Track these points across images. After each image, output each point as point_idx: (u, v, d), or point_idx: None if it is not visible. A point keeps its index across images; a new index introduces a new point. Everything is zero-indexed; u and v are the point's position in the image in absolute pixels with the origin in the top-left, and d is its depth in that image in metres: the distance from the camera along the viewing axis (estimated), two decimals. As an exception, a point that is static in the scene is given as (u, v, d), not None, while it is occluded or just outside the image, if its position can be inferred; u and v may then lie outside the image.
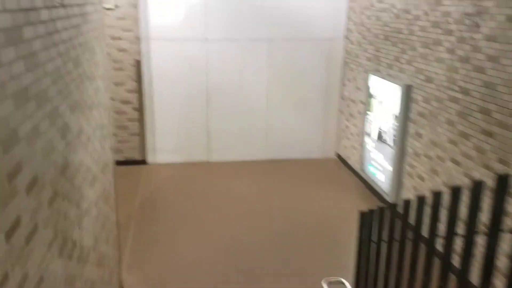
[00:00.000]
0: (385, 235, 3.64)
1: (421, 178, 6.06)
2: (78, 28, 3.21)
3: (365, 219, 3.73)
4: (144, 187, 7.68)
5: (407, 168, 6.45)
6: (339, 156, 9.11)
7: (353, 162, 8.41)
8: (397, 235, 3.46)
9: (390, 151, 6.72)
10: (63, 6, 2.76)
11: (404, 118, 6.38)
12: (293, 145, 9.03)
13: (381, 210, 3.65)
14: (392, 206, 3.67)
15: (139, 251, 5.79)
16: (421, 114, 6.04)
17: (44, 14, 2.38)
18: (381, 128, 7.00)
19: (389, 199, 6.83)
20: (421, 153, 6.06)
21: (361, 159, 7.82)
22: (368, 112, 7.49)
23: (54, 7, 2.57)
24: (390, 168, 6.75)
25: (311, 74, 8.74)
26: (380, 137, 7.06)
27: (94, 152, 3.70)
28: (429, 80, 5.83)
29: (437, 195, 2.82)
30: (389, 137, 6.76)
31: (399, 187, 6.65)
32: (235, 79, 8.54)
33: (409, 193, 6.39)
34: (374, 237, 3.83)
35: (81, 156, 3.20)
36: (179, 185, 7.81)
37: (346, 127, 8.70)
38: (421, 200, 2.90)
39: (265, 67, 8.57)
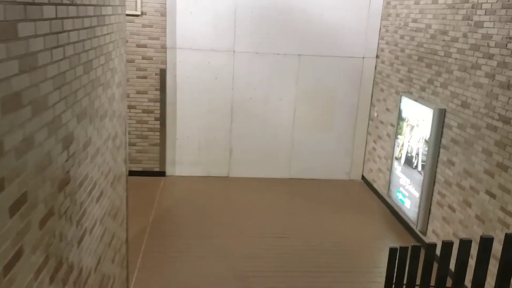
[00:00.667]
0: (418, 279, 3.30)
1: (452, 208, 5.66)
2: (92, 30, 3.02)
3: (395, 257, 3.39)
4: (161, 200, 7.47)
5: (436, 196, 6.05)
6: (364, 179, 8.74)
7: (379, 186, 8.03)
8: (433, 280, 3.12)
9: (419, 178, 6.33)
10: (74, 4, 2.57)
11: (436, 143, 6.01)
12: (317, 165, 8.71)
13: (416, 249, 3.30)
14: (431, 247, 3.33)
15: (150, 269, 5.55)
16: (454, 141, 5.66)
17: (48, 11, 2.17)
18: (411, 152, 6.63)
19: (416, 228, 6.42)
20: (452, 182, 5.67)
21: (388, 184, 7.44)
22: (398, 135, 7.12)
23: (62, 4, 2.37)
24: (417, 195, 6.36)
25: (340, 92, 8.44)
26: (409, 162, 6.68)
27: (103, 164, 3.49)
28: (465, 105, 5.46)
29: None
30: (418, 163, 6.38)
31: (427, 216, 6.24)
32: (261, 94, 8.31)
33: (437, 224, 5.98)
34: (405, 280, 3.48)
35: (86, 169, 2.99)
36: (196, 199, 7.58)
37: (373, 149, 8.34)
38: (466, 244, 2.56)
39: (293, 83, 8.32)
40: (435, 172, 6.07)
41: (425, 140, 6.20)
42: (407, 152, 6.76)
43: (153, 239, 6.24)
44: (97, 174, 3.28)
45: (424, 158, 6.20)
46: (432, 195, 6.15)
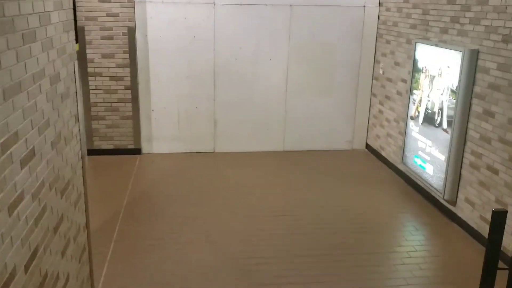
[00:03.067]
0: None
1: (493, 169, 4.63)
2: None
3: (501, 221, 2.29)
4: (136, 181, 6.29)
5: (469, 157, 5.02)
6: (369, 148, 7.69)
7: (388, 153, 6.99)
8: None
9: (445, 137, 5.29)
10: None
11: (466, 93, 4.96)
12: (315, 134, 7.62)
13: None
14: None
15: (124, 261, 4.40)
16: (493, 87, 4.62)
17: None
18: (432, 108, 5.59)
19: (443, 197, 5.40)
20: (492, 137, 4.64)
21: (401, 150, 6.40)
22: (412, 91, 6.06)
23: None
24: (443, 157, 5.33)
25: (338, 48, 7.33)
26: (429, 120, 5.64)
27: (33, 112, 2.32)
28: (509, 39, 4.41)
29: None
30: (443, 119, 5.33)
31: (457, 182, 5.22)
32: (248, 54, 7.15)
33: (472, 190, 4.97)
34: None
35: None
36: (178, 178, 6.42)
37: (379, 112, 7.27)
38: None
39: (284, 39, 7.17)
40: (466, 128, 5.04)
41: (452, 91, 5.15)
42: (427, 109, 5.71)
43: (127, 224, 5.09)
44: (19, 122, 2.11)
45: (451, 113, 5.16)
46: (463, 156, 5.12)
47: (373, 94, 7.50)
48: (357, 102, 7.60)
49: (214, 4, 6.87)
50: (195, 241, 4.79)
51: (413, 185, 6.23)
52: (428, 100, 5.67)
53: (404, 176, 6.46)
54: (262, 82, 7.30)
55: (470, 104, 4.96)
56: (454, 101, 5.09)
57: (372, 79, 7.48)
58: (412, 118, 6.08)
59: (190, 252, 4.59)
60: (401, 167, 6.54)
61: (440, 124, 5.40)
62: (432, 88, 5.58)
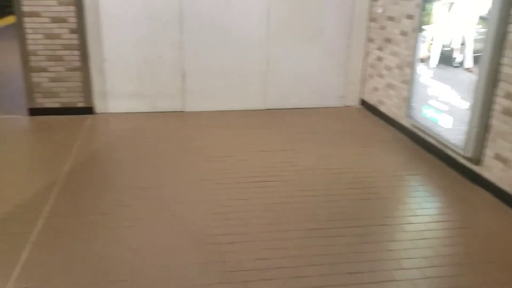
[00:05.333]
0: None
1: (536, 115, 3.57)
2: None
3: None
4: (84, 145, 5.09)
5: (501, 102, 3.95)
6: (365, 104, 6.59)
7: (389, 108, 5.90)
8: None
9: (468, 78, 4.21)
10: None
11: (502, 17, 3.85)
12: (301, 89, 6.48)
13: None
14: None
15: (54, 244, 3.24)
16: (540, 5, 3.51)
17: None
18: (450, 44, 4.48)
19: (464, 153, 4.35)
20: (536, 72, 3.56)
21: (407, 101, 5.31)
22: (423, 28, 4.94)
23: None
24: (464, 105, 4.26)
25: (328, -16, 6.14)
26: (446, 60, 4.54)
27: None
28: None
29: None
30: (466, 56, 4.23)
31: (482, 135, 4.16)
32: (220, -9, 5.91)
33: (504, 144, 3.91)
34: None
35: None
36: (136, 142, 5.24)
37: (378, 59, 6.15)
38: None
39: (263, -28, 5.94)
40: (498, 64, 3.94)
41: (481, 18, 4.03)
42: (443, 46, 4.60)
43: (64, 196, 3.91)
44: None
45: (478, 47, 4.05)
46: (493, 100, 4.04)
47: (369, 39, 6.35)
48: (350, 50, 6.45)
49: None
50: (151, 217, 3.65)
51: (421, 143, 5.17)
52: (445, 35, 4.55)
53: (409, 133, 5.40)
54: (239, 25, 6.08)
55: (505, 33, 3.86)
56: (484, 30, 3.97)
57: (369, 21, 6.32)
58: (421, 60, 4.97)
59: (144, 230, 3.45)
60: (405, 122, 5.46)
61: (462, 63, 4.30)
62: (451, 18, 4.46)
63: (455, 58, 4.39)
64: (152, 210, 3.73)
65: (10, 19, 13.68)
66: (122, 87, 6.04)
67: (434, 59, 4.73)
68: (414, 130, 5.28)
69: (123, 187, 4.11)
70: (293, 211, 3.77)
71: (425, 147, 5.09)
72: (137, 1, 5.75)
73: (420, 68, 5.01)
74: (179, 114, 6.20)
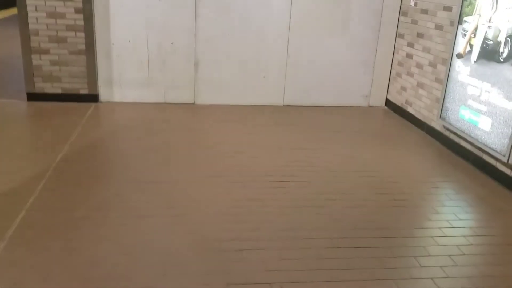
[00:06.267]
0: None
1: None
2: None
3: None
4: (83, 134, 4.65)
5: (557, 103, 3.43)
6: (391, 104, 6.08)
7: (418, 109, 5.39)
8: None
9: (517, 76, 3.69)
10: None
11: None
12: (323, 85, 6.00)
13: None
14: None
15: (31, 239, 2.79)
16: None
17: None
18: (495, 37, 3.96)
19: (506, 160, 3.82)
20: None
21: (440, 101, 4.80)
22: (462, 20, 4.43)
23: None
24: (510, 105, 3.74)
25: (357, -28, 5.66)
26: (489, 55, 4.02)
27: None
28: None
29: None
30: (516, 50, 3.72)
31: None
32: (239, -25, 5.47)
33: (561, 150, 3.38)
34: None
35: None
36: (141, 133, 4.79)
37: (408, 56, 5.64)
38: None
39: (287, -45, 5.48)
40: (556, 58, 3.43)
41: (535, 5, 3.52)
42: (486, 40, 4.09)
43: (54, 188, 3.47)
44: None
45: (532, 37, 3.54)
46: (547, 100, 3.52)
47: (399, 35, 5.85)
48: (377, 45, 5.95)
49: None
50: (151, 215, 3.19)
51: (454, 148, 4.65)
52: (489, 27, 4.04)
53: (441, 137, 4.88)
54: (259, 13, 5.62)
55: None
56: (538, 20, 3.47)
57: (399, 15, 5.82)
58: (460, 56, 4.46)
59: (142, 230, 2.99)
60: (436, 125, 4.95)
61: (509, 57, 3.78)
62: (497, 8, 3.95)
63: (502, 52, 3.88)
64: (153, 208, 3.27)
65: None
66: (129, 74, 5.61)
67: (475, 54, 4.22)
68: (446, 133, 4.76)
69: (122, 181, 3.66)
70: (312, 217, 3.28)
71: (459, 152, 4.57)
72: (150, -19, 5.33)
73: (457, 65, 4.50)
74: (190, 106, 5.75)
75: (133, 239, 2.86)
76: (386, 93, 6.13)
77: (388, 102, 6.12)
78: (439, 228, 3.26)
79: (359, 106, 6.14)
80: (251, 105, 5.91)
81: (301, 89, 5.97)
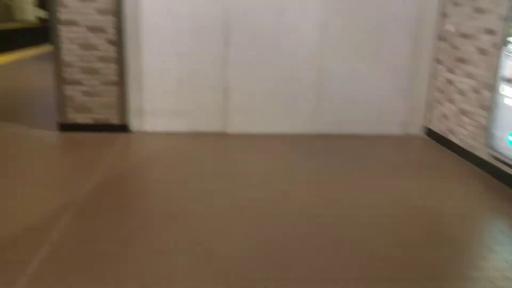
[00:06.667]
0: None
1: None
2: None
3: None
4: (112, 164, 4.56)
5: None
6: (430, 132, 5.78)
7: (462, 137, 5.08)
8: None
9: None
10: None
11: None
12: (357, 113, 5.78)
13: None
14: None
15: (52, 275, 2.63)
16: None
17: None
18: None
19: None
20: None
21: (485, 128, 4.49)
22: (509, 41, 4.17)
23: None
24: None
25: (392, -3, 5.50)
26: (542, 79, 3.73)
27: None
28: None
29: None
30: None
31: None
32: (271, 5, 5.38)
33: None
34: None
35: None
36: (170, 164, 4.67)
37: (448, 82, 5.37)
38: None
39: (319, -18, 5.38)
40: None
41: None
42: (537, 62, 3.81)
43: (79, 220, 3.34)
44: None
45: None
46: None
47: (437, 60, 5.60)
48: (414, 71, 5.71)
49: None
50: (178, 250, 3.00)
51: (504, 178, 4.31)
52: (540, 49, 3.77)
53: (489, 167, 4.54)
54: (289, 40, 5.50)
55: None
56: None
57: (436, 40, 5.59)
58: (507, 80, 4.18)
59: (168, 267, 2.79)
60: (483, 153, 4.63)
61: None
62: (548, 28, 3.68)
63: (555, 75, 3.58)
64: (179, 243, 3.08)
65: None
66: (160, 104, 5.54)
67: (525, 78, 3.94)
68: (495, 163, 4.43)
69: (149, 213, 3.50)
70: (352, 255, 3.01)
71: (509, 183, 4.23)
72: (181, 11, 5.30)
73: (504, 89, 4.21)
74: (220, 135, 5.62)
75: (157, 276, 2.67)
76: (424, 121, 5.84)
77: (428, 131, 5.82)
78: (497, 269, 2.94)
79: (395, 135, 5.86)
80: (282, 134, 5.73)
81: (334, 117, 5.76)
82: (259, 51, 5.48)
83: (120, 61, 5.33)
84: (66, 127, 5.44)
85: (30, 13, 30.10)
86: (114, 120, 5.49)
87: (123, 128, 5.52)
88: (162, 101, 5.54)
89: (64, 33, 5.18)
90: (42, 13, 15.00)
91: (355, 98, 5.71)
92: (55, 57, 5.26)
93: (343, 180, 4.33)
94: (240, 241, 3.13)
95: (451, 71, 5.30)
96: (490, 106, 4.43)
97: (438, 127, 5.58)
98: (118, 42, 5.27)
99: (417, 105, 5.81)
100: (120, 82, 5.38)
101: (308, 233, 3.27)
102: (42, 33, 14.49)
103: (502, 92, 4.25)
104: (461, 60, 5.08)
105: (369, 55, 5.61)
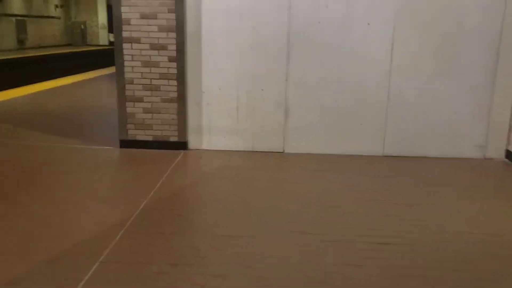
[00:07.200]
0: None
1: None
2: None
3: None
4: (169, 182, 4.45)
5: None
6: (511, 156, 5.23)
7: (551, 162, 4.51)
8: None
9: None
10: None
11: None
12: (430, 134, 5.35)
13: None
14: None
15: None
16: None
17: None
18: None
19: None
20: None
21: None
22: None
23: None
24: None
25: (469, 10, 5.08)
26: None
27: None
28: None
29: None
30: None
31: None
32: (337, 15, 5.15)
33: None
34: None
35: None
36: (227, 183, 4.49)
37: (533, 100, 4.84)
38: None
39: (388, -5, 5.09)
40: None
41: None
42: None
43: (132, 238, 3.21)
44: None
45: None
46: None
47: (521, 76, 5.09)
48: (494, 89, 5.22)
49: None
50: (228, 275, 2.77)
51: None
52: None
53: None
54: (356, 56, 5.22)
55: None
56: None
57: (521, 54, 5.09)
58: None
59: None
60: None
61: None
62: None
63: None
64: (232, 266, 2.85)
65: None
66: (218, 122, 5.43)
67: None
68: None
69: (202, 233, 3.32)
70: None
71: None
72: (243, 27, 5.20)
73: None
74: (279, 155, 5.39)
75: (208, 305, 2.45)
76: (506, 143, 5.30)
77: (510, 154, 5.27)
78: None
79: (473, 158, 5.35)
80: (346, 155, 5.41)
81: (404, 138, 5.36)
82: (321, 68, 5.24)
83: (180, 78, 5.29)
84: (127, 143, 5.45)
85: (102, 37, 31.82)
86: (173, 137, 5.43)
87: (181, 145, 5.44)
88: (221, 118, 5.42)
89: (128, 51, 5.23)
90: (112, 37, 15.92)
91: (428, 118, 5.30)
92: (119, 75, 5.32)
93: (413, 205, 3.94)
94: (296, 268, 2.85)
95: (537, 88, 4.77)
96: None
97: (522, 150, 5.04)
98: (179, 59, 5.24)
99: (498, 126, 5.28)
100: (180, 99, 5.33)
101: (373, 263, 2.93)
102: (112, 55, 15.19)
103: None
104: (550, 76, 4.56)
105: (444, 72, 5.20)
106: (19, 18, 24.83)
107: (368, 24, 5.13)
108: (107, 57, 17.16)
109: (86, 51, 26.77)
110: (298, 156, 5.37)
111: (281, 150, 5.47)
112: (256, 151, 5.47)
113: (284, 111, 5.37)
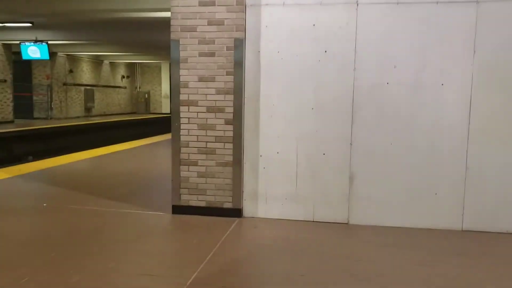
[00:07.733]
0: None
1: None
2: None
3: None
4: (222, 253, 4.05)
5: None
6: None
7: None
8: None
9: None
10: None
11: None
12: (515, 206, 4.68)
13: None
14: None
15: None
16: None
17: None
18: None
19: None
20: None
21: None
22: None
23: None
24: None
25: (556, 67, 4.56)
26: None
27: None
28: None
29: None
30: None
31: None
32: (406, 76, 4.78)
33: None
34: None
35: None
36: (285, 258, 4.02)
37: None
38: None
39: (466, 54, 4.67)
40: None
41: None
42: None
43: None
44: None
45: None
46: None
47: None
48: None
49: (357, 4, 4.79)
50: None
51: None
52: None
53: None
54: (429, 119, 4.77)
55: None
56: None
57: None
58: None
59: None
60: None
61: None
62: None
63: None
64: None
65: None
66: (276, 188, 5.06)
67: None
68: None
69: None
70: None
71: None
72: (304, 89, 4.94)
73: None
74: (343, 227, 4.88)
75: None
76: None
77: None
78: None
79: None
80: (418, 228, 4.81)
81: (487, 210, 4.72)
82: (389, 132, 4.82)
83: (237, 141, 5.03)
84: (180, 209, 5.17)
85: (165, 106, 33.15)
86: (227, 203, 5.09)
87: (236, 212, 5.08)
88: (278, 185, 5.05)
89: (184, 113, 5.09)
90: (174, 105, 16.45)
91: (510, 188, 4.66)
92: (174, 138, 5.15)
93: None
94: None
95: None
96: None
97: None
98: (236, 122, 5.02)
99: None
100: (236, 163, 5.05)
101: None
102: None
103: None
104: None
105: (528, 137, 4.62)
106: (88, 87, 26.45)
107: (442, 84, 4.71)
108: (167, 123, 17.72)
109: (148, 118, 27.82)
110: (364, 228, 4.84)
111: (346, 221, 4.96)
112: (317, 221, 4.99)
113: (349, 178, 4.92)
